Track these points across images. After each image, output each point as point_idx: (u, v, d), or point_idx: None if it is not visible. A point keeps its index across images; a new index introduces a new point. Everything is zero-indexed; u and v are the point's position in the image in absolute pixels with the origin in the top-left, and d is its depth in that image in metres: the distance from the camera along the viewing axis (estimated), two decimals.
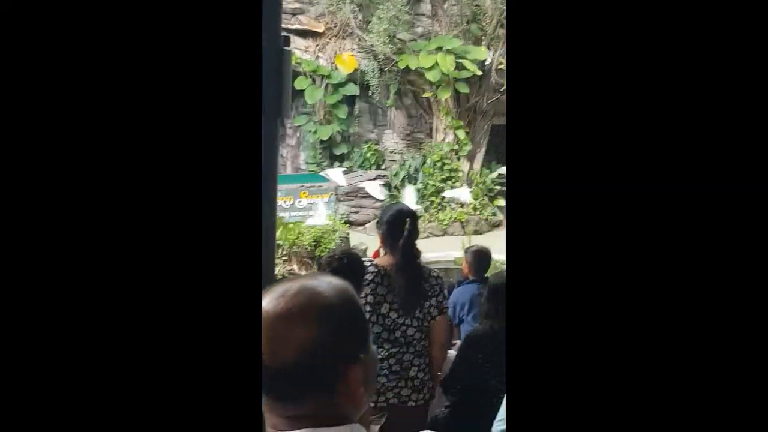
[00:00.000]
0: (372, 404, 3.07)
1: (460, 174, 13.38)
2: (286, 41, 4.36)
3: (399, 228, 3.26)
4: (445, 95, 13.09)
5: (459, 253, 9.63)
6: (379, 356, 3.18)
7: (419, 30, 13.90)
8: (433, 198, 13.20)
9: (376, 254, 3.38)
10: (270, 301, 1.17)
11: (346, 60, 13.60)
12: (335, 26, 13.92)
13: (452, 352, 3.56)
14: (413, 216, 3.38)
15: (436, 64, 12.83)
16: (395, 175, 13.63)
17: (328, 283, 1.21)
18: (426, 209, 12.95)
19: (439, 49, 12.98)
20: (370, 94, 13.84)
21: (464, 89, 13.18)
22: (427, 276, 3.30)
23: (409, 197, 12.61)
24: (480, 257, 4.98)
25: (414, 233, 3.30)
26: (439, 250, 10.32)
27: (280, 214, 10.18)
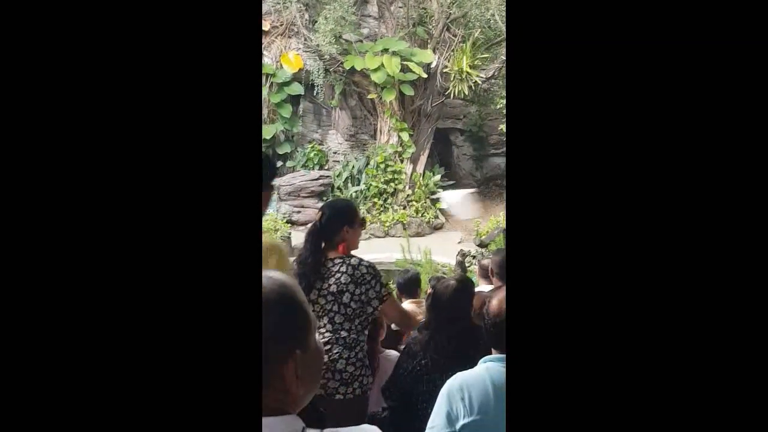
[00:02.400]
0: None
1: (403, 176, 13.43)
2: None
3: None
4: (390, 97, 13.13)
5: (400, 255, 9.68)
6: None
7: (365, 31, 13.93)
8: (375, 200, 13.23)
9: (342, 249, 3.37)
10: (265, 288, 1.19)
11: (292, 59, 13.53)
12: (281, 25, 13.84)
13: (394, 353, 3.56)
14: (325, 208, 3.45)
15: (382, 65, 12.86)
16: (338, 176, 13.61)
17: (267, 277, 1.22)
18: (368, 210, 12.97)
19: (385, 50, 13.01)
20: (314, 94, 13.81)
21: (409, 92, 13.24)
22: (356, 266, 3.31)
23: None
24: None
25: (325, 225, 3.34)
26: (381, 251, 10.35)
27: None
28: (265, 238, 2.71)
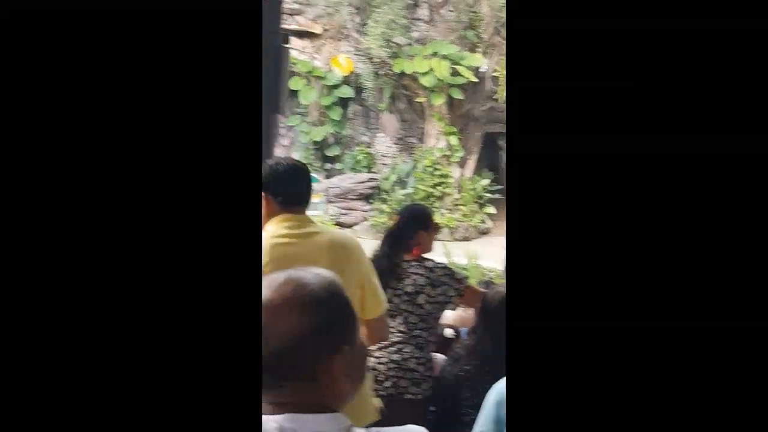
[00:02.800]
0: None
1: (451, 180, 13.40)
2: (285, 38, 4.39)
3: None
4: (439, 101, 13.12)
5: (445, 259, 9.66)
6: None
7: (415, 34, 13.94)
8: (422, 203, 13.24)
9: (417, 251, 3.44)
10: (270, 288, 1.20)
11: (342, 62, 13.62)
12: (332, 28, 13.93)
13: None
14: (403, 213, 3.58)
15: (431, 69, 12.86)
16: (386, 179, 13.65)
17: (315, 274, 1.23)
18: None
19: (435, 54, 13.01)
20: (364, 97, 13.87)
21: (458, 95, 13.21)
22: (432, 268, 3.36)
23: None
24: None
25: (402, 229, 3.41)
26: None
27: None
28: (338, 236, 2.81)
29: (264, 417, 1.17)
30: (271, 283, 1.20)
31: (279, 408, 1.17)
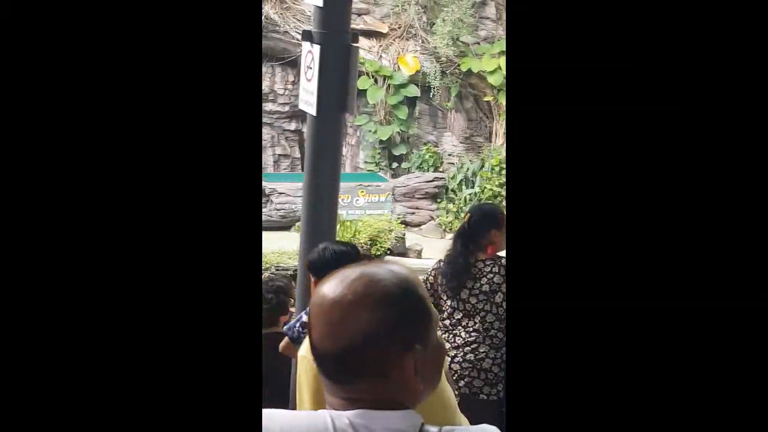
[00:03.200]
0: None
1: None
2: (354, 38, 4.42)
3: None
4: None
5: None
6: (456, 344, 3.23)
7: (483, 33, 13.85)
8: (490, 202, 13.16)
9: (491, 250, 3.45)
10: (330, 286, 1.20)
11: (409, 61, 13.63)
12: (399, 27, 13.96)
13: None
14: (473, 212, 3.58)
15: (499, 68, 12.77)
16: (452, 178, 13.60)
17: (388, 270, 1.21)
18: None
19: (502, 53, 12.92)
20: (431, 96, 13.85)
21: None
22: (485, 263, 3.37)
23: None
24: None
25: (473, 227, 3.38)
26: None
27: (338, 211, 10.21)
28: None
29: (335, 412, 1.17)
30: (344, 279, 1.19)
31: (350, 403, 1.17)
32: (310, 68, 4.29)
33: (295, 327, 3.21)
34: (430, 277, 3.57)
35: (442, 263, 3.55)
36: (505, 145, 13.39)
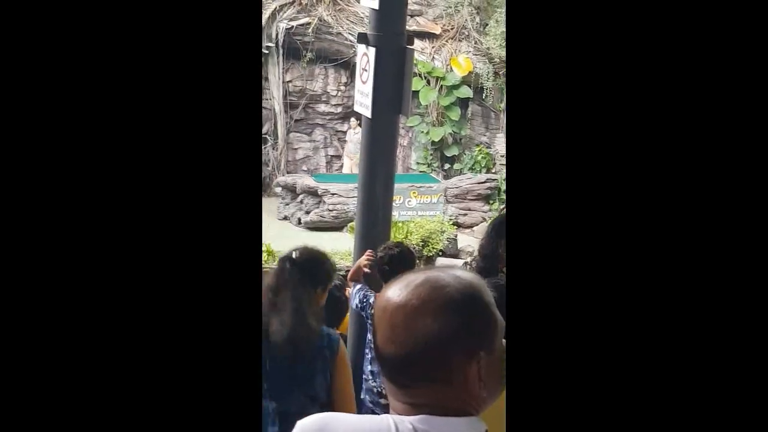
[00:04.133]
0: None
1: None
2: (410, 40, 4.43)
3: None
4: None
5: None
6: None
7: None
8: None
9: None
10: (394, 290, 1.19)
11: (462, 62, 13.59)
12: (452, 28, 13.93)
13: None
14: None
15: None
16: (505, 179, 13.53)
17: (454, 276, 1.19)
18: None
19: None
20: (483, 97, 13.79)
21: None
22: None
23: None
24: None
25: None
26: None
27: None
28: None
29: (398, 417, 1.16)
30: (408, 284, 1.18)
31: (413, 409, 1.16)
32: (366, 70, 4.32)
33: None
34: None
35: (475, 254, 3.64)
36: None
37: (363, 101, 4.37)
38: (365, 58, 4.33)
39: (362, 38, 4.40)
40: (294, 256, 2.80)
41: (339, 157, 14.15)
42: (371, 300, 3.58)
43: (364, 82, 4.34)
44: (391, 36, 4.28)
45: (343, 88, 13.96)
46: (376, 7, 4.23)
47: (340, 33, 13.54)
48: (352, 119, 13.41)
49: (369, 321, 3.59)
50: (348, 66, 13.58)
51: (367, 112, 4.32)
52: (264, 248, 9.93)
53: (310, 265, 2.80)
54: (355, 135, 13.16)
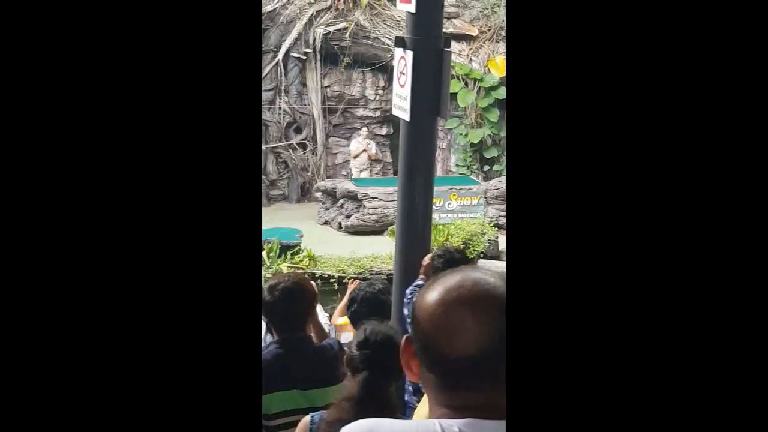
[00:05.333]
0: None
1: None
2: (447, 43, 4.43)
3: None
4: None
5: None
6: None
7: None
8: None
9: None
10: (439, 293, 1.18)
11: (499, 64, 13.54)
12: (489, 30, 13.89)
13: None
14: None
15: None
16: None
17: (501, 278, 1.19)
18: None
19: None
20: None
21: None
22: None
23: None
24: None
25: None
26: None
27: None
28: None
29: (445, 421, 1.15)
30: (460, 285, 1.17)
31: (459, 412, 1.15)
32: (403, 74, 4.32)
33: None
34: None
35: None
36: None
37: (401, 104, 4.38)
38: (403, 61, 4.33)
39: (400, 42, 4.41)
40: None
41: (378, 161, 14.17)
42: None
43: (402, 86, 4.35)
44: (429, 39, 4.28)
45: (381, 91, 13.99)
46: (413, 10, 4.23)
47: (377, 37, 13.57)
48: (363, 128, 13.50)
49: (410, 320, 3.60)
50: (386, 70, 13.60)
51: (405, 116, 4.32)
52: (305, 253, 9.99)
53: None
54: (359, 142, 13.25)
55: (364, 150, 13.39)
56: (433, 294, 1.18)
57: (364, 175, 13.29)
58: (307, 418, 2.54)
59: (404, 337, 1.23)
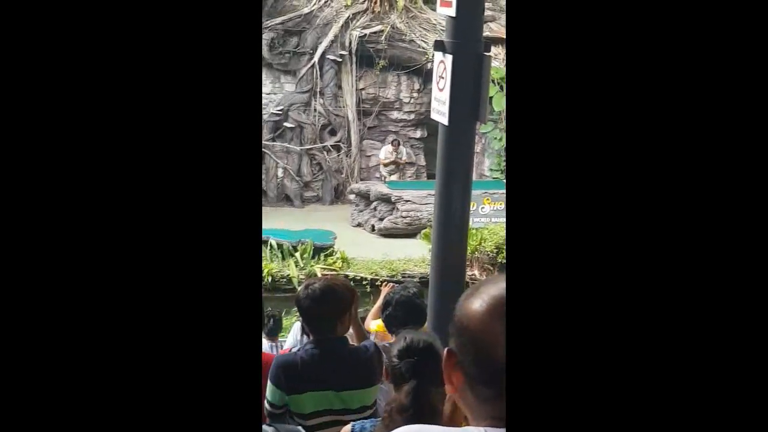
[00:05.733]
0: None
1: None
2: (487, 47, 4.42)
3: None
4: None
5: None
6: None
7: None
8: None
9: None
10: (481, 304, 1.16)
11: None
12: None
13: None
14: None
15: None
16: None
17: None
18: None
19: None
20: None
21: None
22: None
23: None
24: None
25: None
26: None
27: None
28: None
29: (492, 429, 1.13)
30: (495, 297, 1.16)
31: (500, 423, 1.13)
32: (443, 78, 4.32)
33: None
34: None
35: None
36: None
37: (440, 108, 4.38)
38: (442, 65, 4.33)
39: (439, 46, 4.41)
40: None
41: (412, 164, 14.17)
42: None
43: (441, 90, 4.35)
44: (468, 43, 4.28)
45: (415, 95, 14.00)
46: (453, 14, 4.23)
47: (412, 40, 13.58)
48: (393, 138, 13.52)
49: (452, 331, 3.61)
50: (421, 73, 13.60)
51: (444, 120, 4.32)
52: (338, 255, 10.03)
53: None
54: (387, 151, 13.28)
55: (393, 161, 13.38)
56: (479, 302, 1.17)
57: (394, 178, 13.30)
58: (348, 428, 2.55)
59: (445, 349, 1.22)
